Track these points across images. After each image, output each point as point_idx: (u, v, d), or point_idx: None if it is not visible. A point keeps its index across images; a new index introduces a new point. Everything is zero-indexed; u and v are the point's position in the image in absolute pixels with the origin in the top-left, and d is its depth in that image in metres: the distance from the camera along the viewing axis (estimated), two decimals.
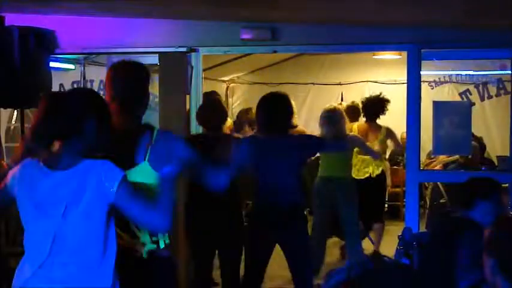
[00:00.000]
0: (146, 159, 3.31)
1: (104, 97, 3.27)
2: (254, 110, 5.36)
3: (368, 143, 7.38)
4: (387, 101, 7.94)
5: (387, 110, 7.91)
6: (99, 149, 2.98)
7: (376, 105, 7.85)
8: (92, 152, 2.94)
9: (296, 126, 6.31)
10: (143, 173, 3.30)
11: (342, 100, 10.64)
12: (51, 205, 2.87)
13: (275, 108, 5.10)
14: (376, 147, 7.51)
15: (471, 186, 3.94)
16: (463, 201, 3.88)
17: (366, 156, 7.54)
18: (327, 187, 6.88)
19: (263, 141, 5.06)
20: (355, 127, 7.82)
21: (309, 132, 7.82)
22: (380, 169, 7.74)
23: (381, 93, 8.05)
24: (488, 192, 3.80)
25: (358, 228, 7.04)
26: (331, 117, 6.72)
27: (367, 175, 7.65)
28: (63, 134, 2.91)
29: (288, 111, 5.17)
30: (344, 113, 6.95)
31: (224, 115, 5.68)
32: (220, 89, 10.87)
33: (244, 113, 8.80)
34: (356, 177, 7.45)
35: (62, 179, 2.88)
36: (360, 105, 8.07)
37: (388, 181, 8.26)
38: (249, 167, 4.89)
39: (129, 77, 3.47)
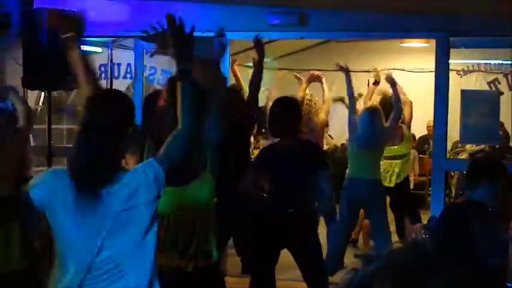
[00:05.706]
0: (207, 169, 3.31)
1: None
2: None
3: (395, 147, 7.32)
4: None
5: None
6: None
7: None
8: None
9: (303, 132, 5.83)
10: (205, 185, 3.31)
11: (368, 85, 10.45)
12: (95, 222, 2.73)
13: (284, 112, 5.06)
14: (400, 151, 7.43)
15: (473, 167, 3.90)
16: (467, 183, 3.88)
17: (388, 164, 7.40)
18: (355, 188, 6.64)
19: (273, 149, 5.14)
20: None
21: (333, 120, 7.69)
22: (399, 179, 7.52)
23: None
24: (489, 173, 3.76)
25: (388, 228, 6.80)
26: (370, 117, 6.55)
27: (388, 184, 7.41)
28: None
29: (297, 116, 5.12)
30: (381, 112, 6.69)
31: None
32: (247, 74, 10.83)
33: None
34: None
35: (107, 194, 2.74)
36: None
37: (416, 170, 8.14)
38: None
39: None
